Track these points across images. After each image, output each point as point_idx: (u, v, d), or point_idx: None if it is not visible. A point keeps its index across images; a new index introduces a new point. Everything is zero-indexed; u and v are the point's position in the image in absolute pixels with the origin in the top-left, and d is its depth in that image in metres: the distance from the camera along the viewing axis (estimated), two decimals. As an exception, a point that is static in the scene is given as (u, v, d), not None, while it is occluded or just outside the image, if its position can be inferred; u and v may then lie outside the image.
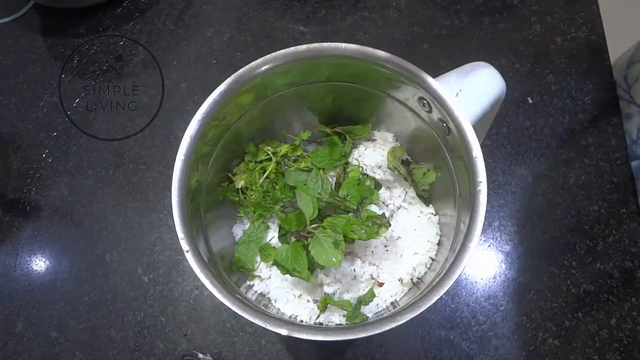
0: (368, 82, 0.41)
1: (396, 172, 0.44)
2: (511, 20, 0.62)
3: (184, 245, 0.35)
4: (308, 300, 0.42)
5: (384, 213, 0.42)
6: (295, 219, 0.40)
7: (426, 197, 0.45)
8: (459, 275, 0.33)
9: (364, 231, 0.39)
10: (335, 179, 0.44)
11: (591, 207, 0.53)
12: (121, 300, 0.53)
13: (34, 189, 0.58)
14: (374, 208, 0.42)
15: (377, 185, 0.44)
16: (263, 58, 0.38)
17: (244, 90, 0.39)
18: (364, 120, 0.46)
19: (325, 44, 0.38)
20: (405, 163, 0.45)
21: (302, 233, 0.39)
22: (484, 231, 0.33)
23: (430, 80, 0.36)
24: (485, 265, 0.52)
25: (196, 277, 0.34)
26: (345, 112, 0.46)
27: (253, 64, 0.38)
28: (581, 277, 0.51)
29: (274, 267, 0.42)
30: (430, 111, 0.38)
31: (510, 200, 0.54)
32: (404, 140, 0.46)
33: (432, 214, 0.45)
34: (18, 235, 0.57)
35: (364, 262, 0.42)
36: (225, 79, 0.37)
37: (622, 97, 0.56)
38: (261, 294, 0.43)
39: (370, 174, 0.45)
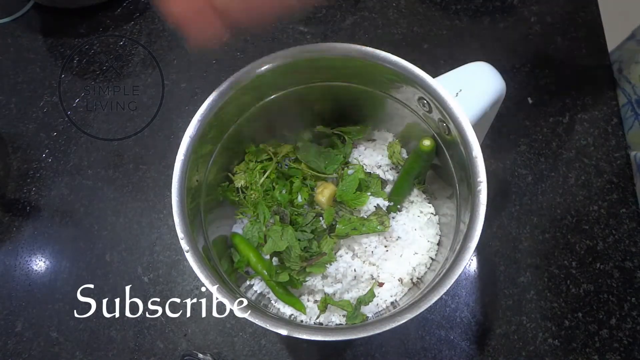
0: (368, 82, 0.41)
1: (400, 166, 0.44)
2: (511, 20, 0.62)
3: (184, 245, 0.35)
4: (308, 300, 0.42)
5: (381, 208, 0.42)
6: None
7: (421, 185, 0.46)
8: (459, 275, 0.33)
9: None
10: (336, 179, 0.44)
11: (591, 207, 0.53)
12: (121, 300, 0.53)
13: (34, 189, 0.58)
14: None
15: (383, 182, 0.44)
16: (263, 58, 0.38)
17: (244, 90, 0.39)
18: (364, 121, 0.46)
19: (325, 44, 0.38)
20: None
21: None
22: (483, 231, 0.33)
23: (429, 80, 0.36)
24: (485, 265, 0.52)
25: (196, 277, 0.34)
26: (345, 113, 0.46)
27: (253, 64, 0.38)
28: (581, 277, 0.51)
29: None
30: (430, 111, 0.38)
31: (510, 200, 0.54)
32: (403, 140, 0.46)
33: (432, 213, 0.45)
34: (18, 235, 0.57)
35: (364, 262, 0.42)
36: (225, 79, 0.38)
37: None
38: (261, 294, 0.43)
39: (371, 173, 0.45)
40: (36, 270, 0.55)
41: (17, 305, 0.54)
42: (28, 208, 0.58)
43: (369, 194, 0.42)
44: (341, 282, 0.41)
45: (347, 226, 0.40)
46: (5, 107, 0.63)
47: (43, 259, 0.55)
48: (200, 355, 0.49)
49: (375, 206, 0.42)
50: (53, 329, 0.52)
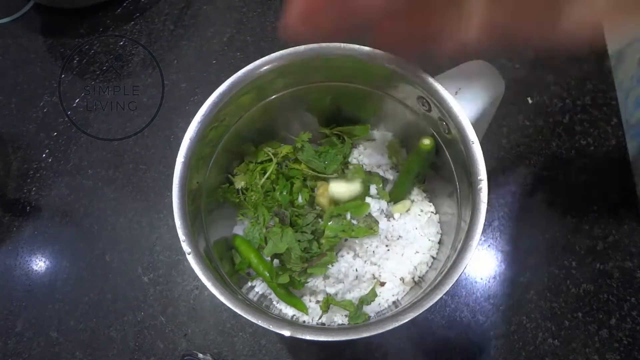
0: (367, 81, 0.41)
1: (400, 166, 0.44)
2: (511, 20, 0.62)
3: (186, 247, 0.34)
4: (310, 301, 0.42)
5: (371, 215, 0.42)
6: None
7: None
8: (460, 275, 0.33)
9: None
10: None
11: (591, 207, 0.53)
12: (121, 300, 0.53)
13: (34, 189, 0.58)
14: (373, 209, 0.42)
15: (384, 180, 0.44)
16: (263, 58, 0.38)
17: (244, 91, 0.39)
18: (364, 120, 0.46)
19: (324, 44, 0.38)
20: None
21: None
22: (483, 231, 0.33)
23: (429, 79, 0.36)
24: (485, 265, 0.52)
25: (196, 277, 0.34)
26: (345, 112, 0.46)
27: (253, 64, 0.38)
28: (581, 277, 0.51)
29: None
30: (429, 110, 0.38)
31: (510, 200, 0.54)
32: (403, 139, 0.46)
33: (433, 212, 0.45)
34: (18, 235, 0.57)
35: (365, 261, 0.42)
36: (225, 79, 0.37)
37: None
38: (262, 295, 0.43)
39: (371, 173, 0.45)
40: (36, 270, 0.55)
41: (17, 305, 0.54)
42: (28, 208, 0.58)
43: (370, 198, 0.42)
44: (343, 282, 0.41)
45: (335, 229, 0.40)
46: (5, 107, 0.63)
47: (43, 259, 0.55)
48: (200, 355, 0.49)
49: (366, 215, 0.42)
50: (53, 329, 0.52)
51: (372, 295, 0.40)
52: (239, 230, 0.45)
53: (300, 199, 0.42)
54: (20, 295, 0.54)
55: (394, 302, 0.42)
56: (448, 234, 0.42)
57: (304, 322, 0.41)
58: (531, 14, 0.26)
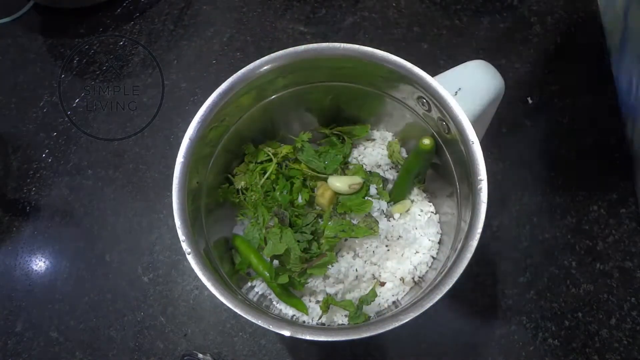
0: (367, 81, 0.41)
1: (399, 165, 0.45)
2: (511, 20, 0.62)
3: (186, 247, 0.35)
4: (310, 301, 0.42)
5: (371, 215, 0.42)
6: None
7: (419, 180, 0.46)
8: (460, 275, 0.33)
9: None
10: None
11: (591, 207, 0.53)
12: (121, 300, 0.53)
13: (34, 189, 0.58)
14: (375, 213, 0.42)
15: (384, 180, 0.44)
16: (263, 58, 0.38)
17: (244, 91, 0.39)
18: (363, 120, 0.46)
19: (324, 44, 0.38)
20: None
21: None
22: (483, 231, 0.33)
23: (428, 79, 0.36)
24: (485, 265, 0.52)
25: (196, 277, 0.34)
26: (345, 112, 0.46)
27: (253, 64, 0.38)
28: (581, 277, 0.51)
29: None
30: (429, 110, 0.38)
31: (510, 200, 0.54)
32: (403, 139, 0.46)
33: (433, 212, 0.45)
34: (18, 235, 0.57)
35: (365, 261, 0.42)
36: (225, 79, 0.38)
37: None
38: (262, 295, 0.43)
39: (371, 173, 0.45)
40: (36, 270, 0.55)
41: (17, 305, 0.54)
42: (28, 208, 0.58)
43: (370, 198, 0.42)
44: (343, 283, 0.41)
45: (335, 229, 0.40)
46: (5, 107, 0.63)
47: (43, 259, 0.55)
48: (200, 355, 0.49)
49: (366, 215, 0.42)
50: (53, 329, 0.52)
51: (372, 295, 0.40)
52: (239, 230, 0.45)
53: (300, 199, 0.42)
54: (20, 295, 0.54)
55: (394, 302, 0.42)
56: (448, 234, 0.42)
57: (304, 322, 0.41)
58: None
